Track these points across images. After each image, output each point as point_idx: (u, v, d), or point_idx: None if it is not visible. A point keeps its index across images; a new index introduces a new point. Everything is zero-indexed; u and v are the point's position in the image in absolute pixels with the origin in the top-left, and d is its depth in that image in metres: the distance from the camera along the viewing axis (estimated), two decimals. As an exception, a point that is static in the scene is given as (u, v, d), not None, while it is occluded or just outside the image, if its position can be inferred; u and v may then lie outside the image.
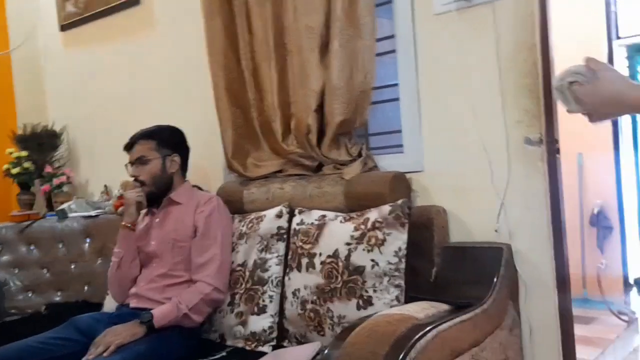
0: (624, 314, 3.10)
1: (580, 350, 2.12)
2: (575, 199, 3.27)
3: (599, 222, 3.22)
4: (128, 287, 2.05)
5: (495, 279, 1.55)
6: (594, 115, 1.00)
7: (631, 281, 3.18)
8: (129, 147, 2.04)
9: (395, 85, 1.96)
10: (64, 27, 3.18)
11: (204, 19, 2.26)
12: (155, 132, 2.06)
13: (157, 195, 2.04)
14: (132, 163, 2.03)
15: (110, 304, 2.19)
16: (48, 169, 3.07)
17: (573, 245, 3.11)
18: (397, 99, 1.95)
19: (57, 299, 2.69)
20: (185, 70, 2.58)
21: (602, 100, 0.97)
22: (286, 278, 1.88)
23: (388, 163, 1.94)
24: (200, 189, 2.20)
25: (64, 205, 2.83)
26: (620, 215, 3.22)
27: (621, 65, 3.13)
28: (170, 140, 2.07)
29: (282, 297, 1.88)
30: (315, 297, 1.74)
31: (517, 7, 1.66)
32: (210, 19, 2.23)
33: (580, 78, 1.01)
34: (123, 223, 2.03)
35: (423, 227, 1.74)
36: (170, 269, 1.98)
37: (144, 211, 2.12)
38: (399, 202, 1.69)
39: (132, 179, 2.04)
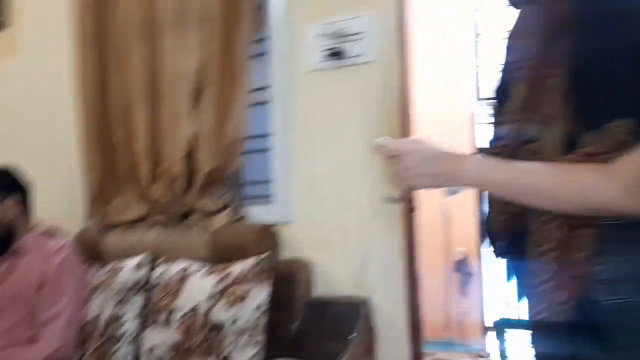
0: (483, 356, 3.29)
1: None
2: (441, 247, 3.46)
3: (461, 269, 3.43)
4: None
5: (351, 336, 1.57)
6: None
7: (490, 324, 3.39)
8: None
9: (266, 136, 1.97)
10: None
11: (75, 52, 2.14)
12: None
13: None
14: None
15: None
16: None
17: (437, 292, 3.30)
18: (267, 150, 1.96)
19: None
20: (50, 103, 2.41)
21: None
22: (142, 335, 1.77)
23: (259, 213, 1.93)
24: (53, 233, 2.03)
25: None
26: (482, 262, 3.45)
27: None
28: None
29: (137, 357, 1.76)
30: (171, 356, 1.65)
31: (382, 71, 1.76)
32: (83, 52, 2.13)
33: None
34: None
35: (287, 282, 1.74)
36: (11, 327, 1.77)
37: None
38: (264, 255, 1.67)
39: None
